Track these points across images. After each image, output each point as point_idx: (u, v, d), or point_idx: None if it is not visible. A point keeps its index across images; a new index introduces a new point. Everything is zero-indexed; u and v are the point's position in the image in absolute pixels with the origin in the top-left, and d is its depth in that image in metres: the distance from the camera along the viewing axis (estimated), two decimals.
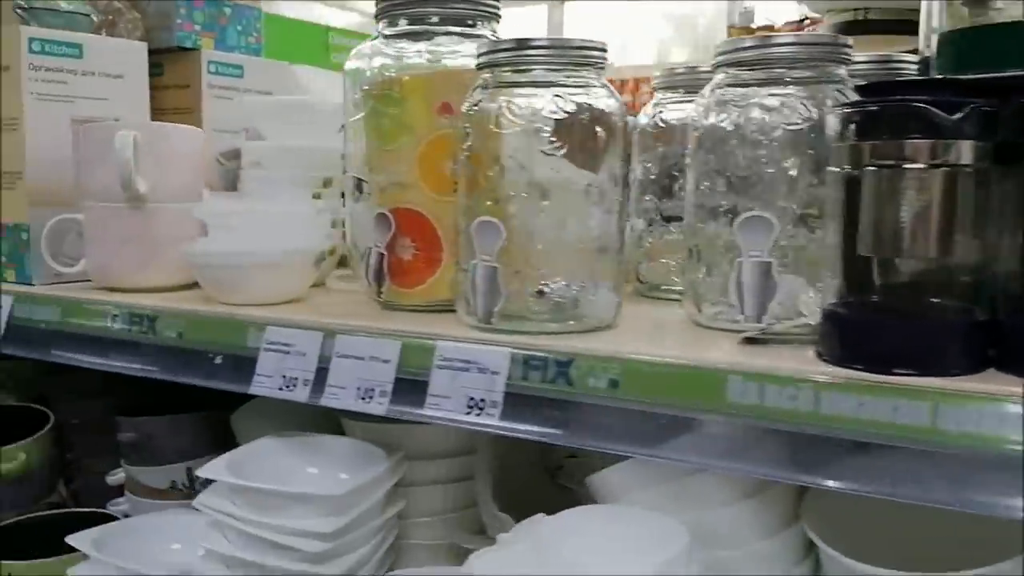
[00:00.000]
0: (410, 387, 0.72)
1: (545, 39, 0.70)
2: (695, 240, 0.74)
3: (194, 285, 0.99)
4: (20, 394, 1.18)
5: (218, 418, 1.06)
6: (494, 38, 0.83)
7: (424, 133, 0.79)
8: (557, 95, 0.69)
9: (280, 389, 0.78)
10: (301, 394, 0.76)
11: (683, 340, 0.71)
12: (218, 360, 0.83)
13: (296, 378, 0.77)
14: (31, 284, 1.02)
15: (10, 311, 0.98)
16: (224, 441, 1.06)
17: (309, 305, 0.88)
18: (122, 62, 1.09)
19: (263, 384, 0.79)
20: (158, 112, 1.16)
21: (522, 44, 0.70)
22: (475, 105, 0.73)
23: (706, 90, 0.74)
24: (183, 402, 1.09)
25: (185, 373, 0.85)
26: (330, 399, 0.75)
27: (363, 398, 0.73)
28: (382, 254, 0.81)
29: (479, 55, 0.73)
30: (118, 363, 0.89)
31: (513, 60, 0.71)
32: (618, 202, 0.72)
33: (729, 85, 0.72)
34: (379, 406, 0.72)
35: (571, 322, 0.72)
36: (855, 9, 1.09)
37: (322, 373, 0.76)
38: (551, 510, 0.73)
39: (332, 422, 0.99)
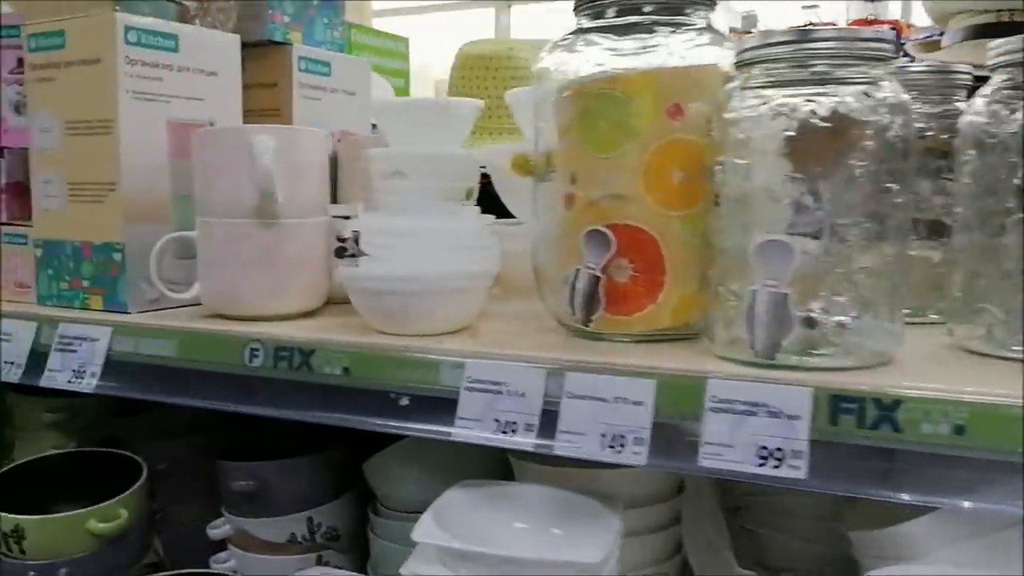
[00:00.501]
0: (671, 434, 0.62)
1: (831, 29, 0.61)
2: (969, 257, 0.66)
3: (322, 311, 0.87)
4: (87, 436, 1.03)
5: (338, 459, 0.94)
6: (712, 29, 0.73)
7: (651, 139, 0.69)
8: (845, 95, 0.60)
9: (495, 434, 0.67)
10: (524, 440, 0.66)
11: (983, 373, 0.63)
12: (404, 401, 0.71)
13: (515, 422, 0.66)
14: (125, 312, 0.88)
15: (108, 346, 0.84)
16: (347, 486, 0.94)
17: (485, 334, 0.77)
18: (216, 57, 0.96)
19: (470, 428, 0.68)
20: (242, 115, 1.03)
21: (804, 36, 0.61)
22: (741, 107, 0.63)
23: (985, 91, 0.66)
24: (278, 442, 0.96)
25: (358, 416, 0.73)
26: (566, 447, 0.64)
27: (612, 447, 0.63)
28: (596, 277, 0.70)
29: (745, 50, 0.63)
30: (264, 407, 0.76)
31: (792, 55, 0.61)
32: (901, 217, 0.63)
33: (1013, 87, 0.64)
34: (635, 456, 0.62)
35: (849, 356, 0.62)
36: (997, 11, 1.03)
37: (549, 416, 0.65)
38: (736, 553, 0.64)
39: (481, 464, 0.88)
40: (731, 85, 0.66)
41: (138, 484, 0.88)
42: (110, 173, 0.87)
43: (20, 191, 1.01)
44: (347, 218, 0.90)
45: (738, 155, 0.66)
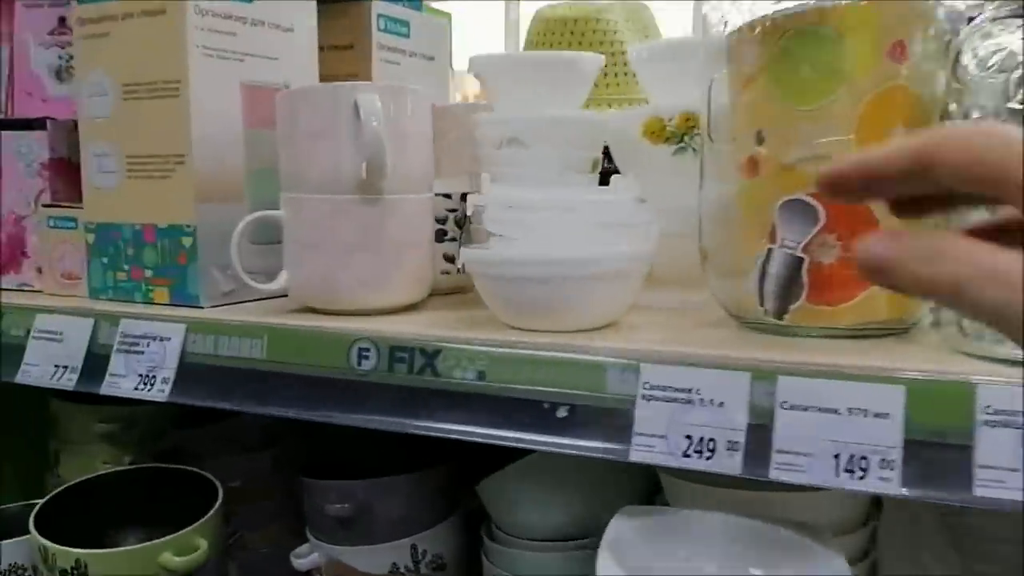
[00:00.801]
0: (929, 454, 0.49)
1: None
2: None
3: (427, 304, 0.74)
4: (143, 449, 0.90)
5: (446, 477, 0.81)
6: None
7: (868, 85, 0.56)
8: None
9: (687, 455, 0.54)
10: (728, 463, 0.52)
11: None
12: (562, 412, 0.58)
13: (712, 439, 0.53)
14: (197, 306, 0.75)
15: (182, 346, 0.71)
16: (452, 507, 0.81)
17: (643, 329, 0.64)
18: (292, 10, 0.83)
19: (651, 447, 0.55)
20: None
21: None
22: (984, 48, 0.50)
23: None
24: (364, 455, 0.83)
25: (500, 429, 0.59)
26: (787, 472, 0.51)
27: (851, 471, 0.50)
28: (798, 258, 0.57)
29: None
30: (376, 418, 0.63)
31: None
32: None
33: None
34: (883, 482, 0.49)
35: None
36: None
37: (758, 433, 0.52)
38: None
39: (619, 482, 0.75)
40: (979, 19, 0.53)
41: (215, 507, 0.75)
42: (179, 143, 0.74)
43: (66, 168, 0.88)
44: (447, 196, 0.77)
45: (979, 107, 0.53)
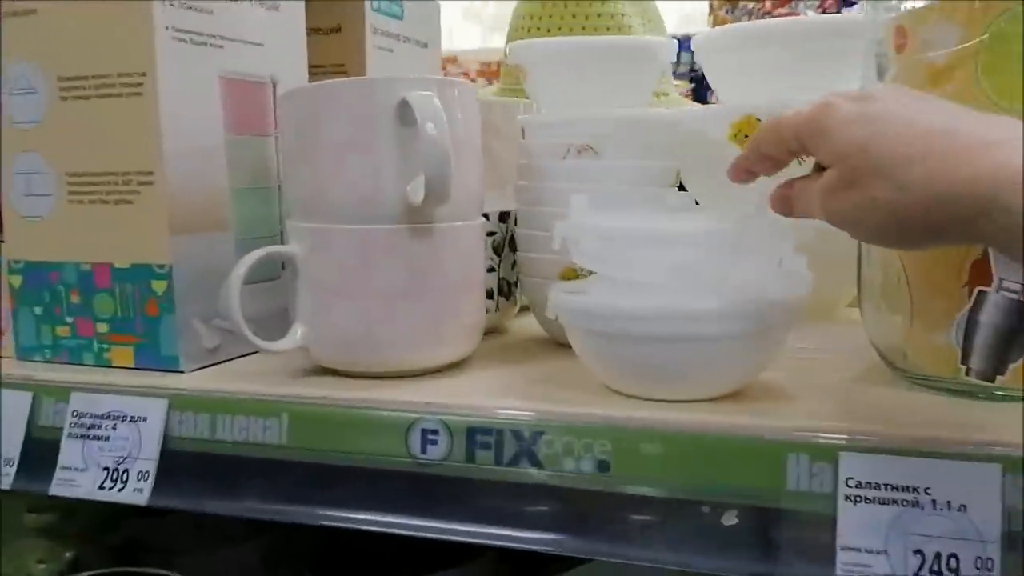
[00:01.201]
0: None
1: None
2: None
3: (477, 361, 0.58)
4: (91, 542, 0.71)
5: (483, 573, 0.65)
6: None
7: None
8: None
9: None
10: None
11: None
12: (729, 519, 0.43)
13: (954, 556, 0.40)
14: (175, 370, 0.57)
15: (163, 428, 0.53)
16: None
17: (775, 395, 0.50)
18: None
19: (866, 570, 0.41)
20: None
21: None
22: None
23: None
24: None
25: (637, 546, 0.44)
26: None
27: None
28: (1021, 303, 0.44)
29: None
30: (454, 525, 0.47)
31: None
32: None
33: None
34: None
35: None
36: None
37: (1018, 547, 0.39)
38: None
39: None
40: None
41: None
42: (145, 157, 0.56)
43: None
44: (484, 216, 0.62)
45: None
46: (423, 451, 0.48)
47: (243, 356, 0.61)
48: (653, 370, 0.47)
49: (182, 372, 0.57)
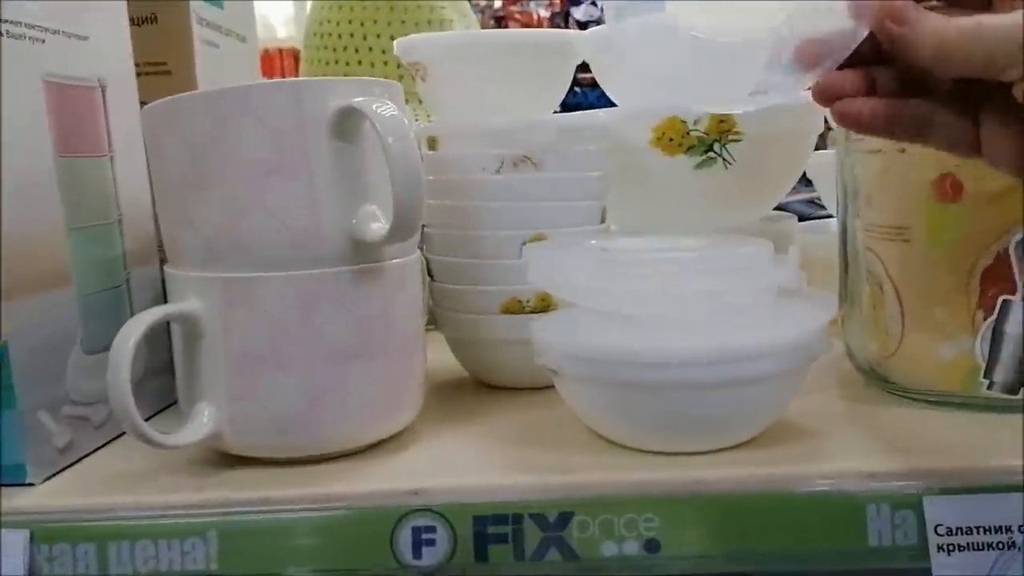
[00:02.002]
0: None
1: None
2: None
3: (426, 422, 0.49)
4: None
5: None
6: None
7: None
8: None
9: None
10: None
11: None
12: None
13: None
14: (22, 483, 0.42)
15: (26, 570, 0.38)
16: None
17: (791, 434, 0.45)
18: None
19: None
20: None
21: None
22: None
23: None
24: None
25: None
26: None
27: None
28: None
29: None
30: None
31: None
32: None
33: None
34: None
35: None
36: None
37: None
38: None
39: None
40: None
41: None
42: None
43: None
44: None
45: None
46: (416, 555, 0.38)
47: (93, 451, 0.46)
48: (686, 420, 0.40)
49: (31, 484, 0.41)
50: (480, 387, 0.55)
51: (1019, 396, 0.43)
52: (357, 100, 0.39)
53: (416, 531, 0.38)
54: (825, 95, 0.36)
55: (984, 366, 0.44)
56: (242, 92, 0.39)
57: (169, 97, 0.41)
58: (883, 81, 0.35)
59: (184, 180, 0.40)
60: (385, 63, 0.87)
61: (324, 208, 0.40)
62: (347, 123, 0.40)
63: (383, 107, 0.38)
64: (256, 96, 0.39)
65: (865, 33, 0.35)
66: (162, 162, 0.42)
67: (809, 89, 0.37)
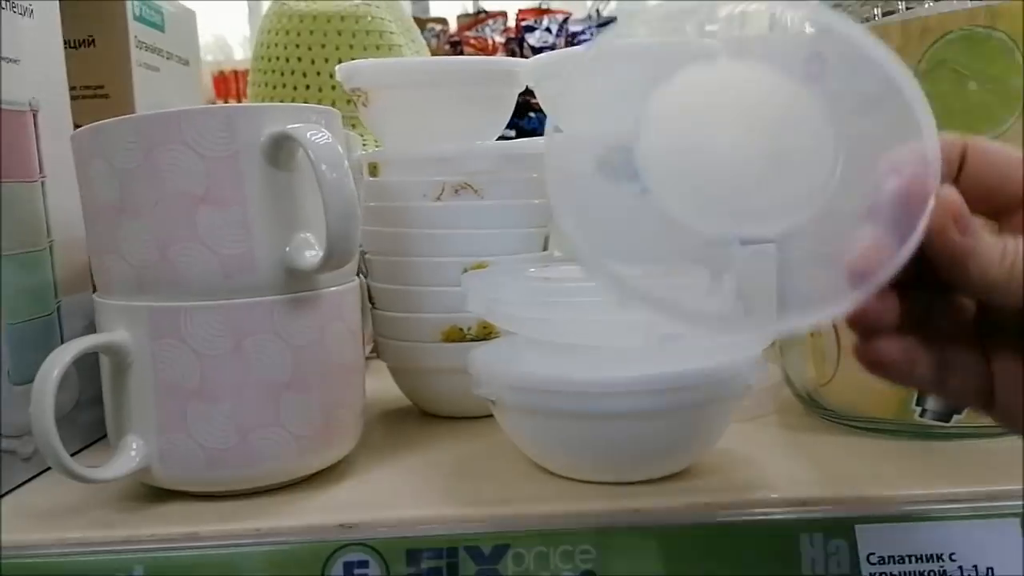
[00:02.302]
0: None
1: None
2: None
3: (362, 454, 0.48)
4: None
5: None
6: None
7: None
8: None
9: None
10: None
11: None
12: None
13: None
14: None
15: None
16: None
17: (707, 468, 0.45)
18: None
19: None
20: None
21: None
22: None
23: None
24: None
25: None
26: None
27: None
28: None
29: None
30: None
31: None
32: None
33: None
34: None
35: None
36: None
37: None
38: None
39: None
40: None
41: None
42: None
43: None
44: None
45: None
46: None
47: (21, 485, 0.45)
48: (621, 449, 0.40)
49: None
50: (421, 416, 0.55)
51: (951, 423, 0.44)
52: (291, 127, 0.38)
53: (348, 566, 0.37)
54: (862, 325, 0.29)
55: (916, 393, 0.44)
56: (172, 117, 0.38)
57: (97, 123, 0.40)
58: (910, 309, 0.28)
59: (112, 207, 0.40)
60: (333, 87, 0.87)
61: (257, 236, 0.39)
62: (281, 150, 0.39)
63: (317, 135, 0.38)
64: (186, 122, 0.38)
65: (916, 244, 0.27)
66: (90, 189, 0.41)
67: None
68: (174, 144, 0.38)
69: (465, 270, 0.49)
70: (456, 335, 0.50)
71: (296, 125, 0.39)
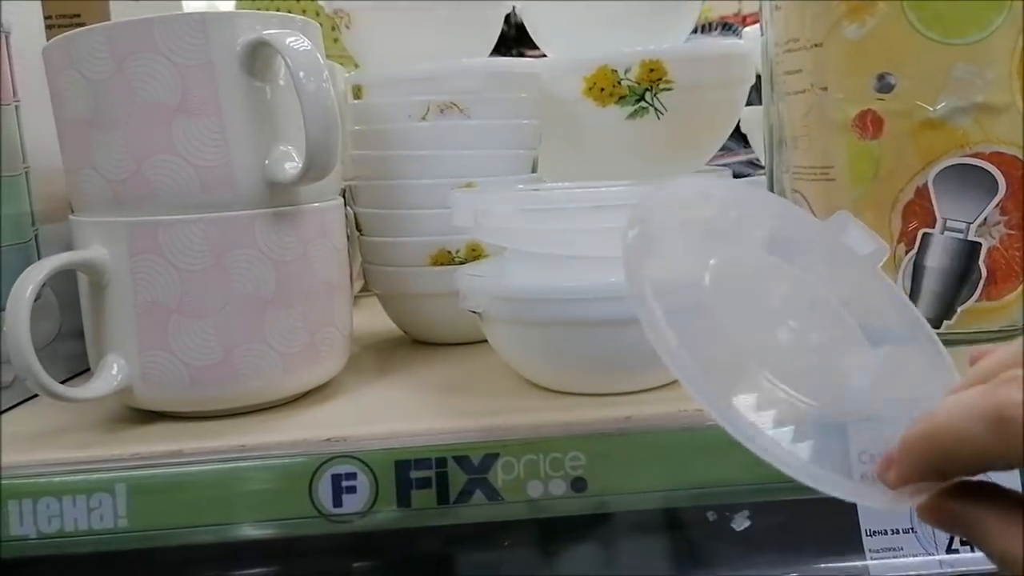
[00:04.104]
0: None
1: None
2: None
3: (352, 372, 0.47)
4: None
5: None
6: None
7: None
8: None
9: (954, 550, 0.37)
10: None
11: None
12: (740, 522, 0.37)
13: None
14: None
15: None
16: None
17: None
18: None
19: (896, 552, 0.37)
20: None
21: None
22: None
23: None
24: None
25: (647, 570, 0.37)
26: None
27: None
28: (973, 244, 0.43)
29: None
30: None
31: None
32: None
33: None
34: None
35: None
36: None
37: None
38: None
39: None
40: None
41: None
42: None
43: None
44: None
45: None
46: (337, 503, 0.37)
47: (4, 411, 0.44)
48: (610, 357, 0.39)
49: None
50: (412, 344, 0.54)
51: (940, 328, 0.43)
52: (268, 33, 0.37)
53: (336, 478, 0.37)
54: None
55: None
56: (144, 25, 0.37)
57: (68, 32, 0.39)
58: None
59: (85, 120, 0.39)
60: (317, 13, 0.85)
61: (234, 148, 0.38)
62: (258, 58, 0.38)
63: (296, 41, 0.37)
64: (160, 30, 0.37)
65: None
66: (63, 102, 0.40)
67: None
68: (147, 52, 0.37)
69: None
70: (444, 258, 0.50)
71: (274, 31, 0.37)
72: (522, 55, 0.81)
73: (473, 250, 0.50)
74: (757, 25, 0.55)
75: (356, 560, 0.46)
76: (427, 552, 0.40)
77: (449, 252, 0.49)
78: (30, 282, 0.37)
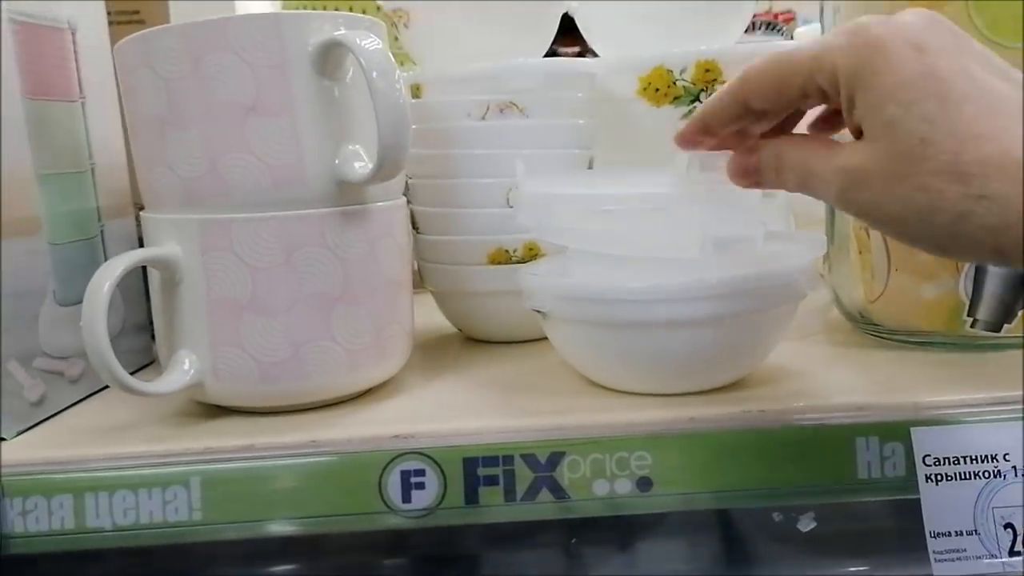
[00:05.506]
0: None
1: None
2: None
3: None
4: None
5: None
6: None
7: None
8: None
9: (1017, 552, 0.37)
10: None
11: None
12: (805, 523, 0.37)
13: None
14: None
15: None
16: None
17: (768, 377, 0.45)
18: None
19: (959, 555, 0.37)
20: None
21: None
22: None
23: None
24: None
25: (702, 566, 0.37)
26: None
27: None
28: None
29: None
30: None
31: None
32: None
33: None
34: None
35: None
36: None
37: None
38: None
39: None
40: None
41: None
42: None
43: None
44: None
45: None
46: (406, 499, 0.37)
47: (69, 407, 0.45)
48: (674, 358, 0.40)
49: (2, 439, 0.40)
50: (469, 342, 0.54)
51: (1001, 333, 0.43)
52: (340, 33, 0.38)
53: (405, 475, 0.37)
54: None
55: (968, 304, 0.44)
56: (219, 25, 0.38)
57: (142, 31, 0.39)
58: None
59: (159, 119, 0.39)
60: (364, 11, 0.85)
61: (306, 147, 0.39)
62: (330, 58, 0.38)
63: (368, 40, 0.37)
64: (234, 30, 0.38)
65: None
66: (136, 100, 0.40)
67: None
68: (222, 52, 0.38)
69: (510, 191, 0.49)
70: (502, 257, 0.50)
71: (347, 31, 0.38)
72: (555, 54, 0.82)
73: (530, 249, 0.50)
74: (810, 27, 0.55)
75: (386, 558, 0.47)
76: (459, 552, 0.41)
77: (507, 251, 0.50)
78: (107, 278, 0.37)
